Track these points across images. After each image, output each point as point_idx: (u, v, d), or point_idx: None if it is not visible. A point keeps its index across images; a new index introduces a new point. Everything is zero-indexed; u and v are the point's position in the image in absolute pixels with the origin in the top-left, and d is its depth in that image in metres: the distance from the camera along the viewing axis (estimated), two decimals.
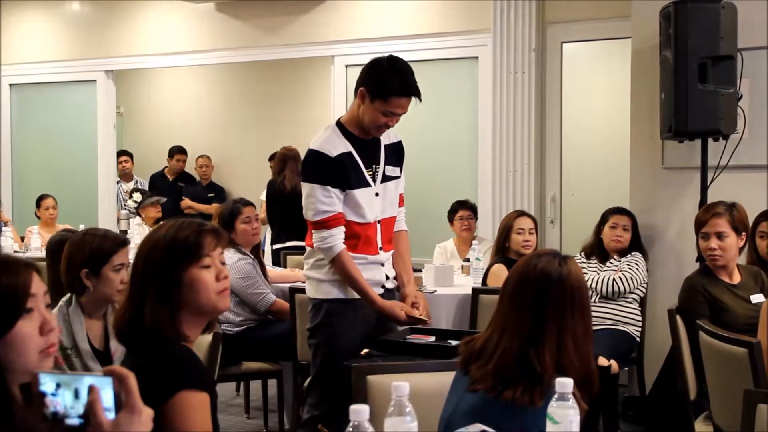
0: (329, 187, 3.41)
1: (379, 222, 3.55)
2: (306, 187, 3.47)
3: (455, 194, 6.13)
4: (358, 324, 3.52)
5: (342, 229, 3.44)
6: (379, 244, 3.56)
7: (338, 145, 3.45)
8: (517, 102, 6.11)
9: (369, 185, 3.50)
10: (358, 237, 3.49)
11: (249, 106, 9.11)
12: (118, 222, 7.34)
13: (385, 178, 3.56)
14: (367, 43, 6.68)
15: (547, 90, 6.14)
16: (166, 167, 8.91)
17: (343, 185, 3.43)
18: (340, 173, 3.42)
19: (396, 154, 3.64)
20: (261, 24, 7.26)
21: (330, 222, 3.42)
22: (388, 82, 3.36)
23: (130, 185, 8.58)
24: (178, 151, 8.83)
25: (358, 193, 3.46)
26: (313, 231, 3.48)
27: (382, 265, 3.59)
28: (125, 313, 2.10)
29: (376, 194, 3.52)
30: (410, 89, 3.38)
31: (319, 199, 3.41)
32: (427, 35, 6.57)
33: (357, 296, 3.52)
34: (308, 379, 3.75)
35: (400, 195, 3.70)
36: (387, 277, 3.62)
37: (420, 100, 3.42)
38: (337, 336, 3.49)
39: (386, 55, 3.50)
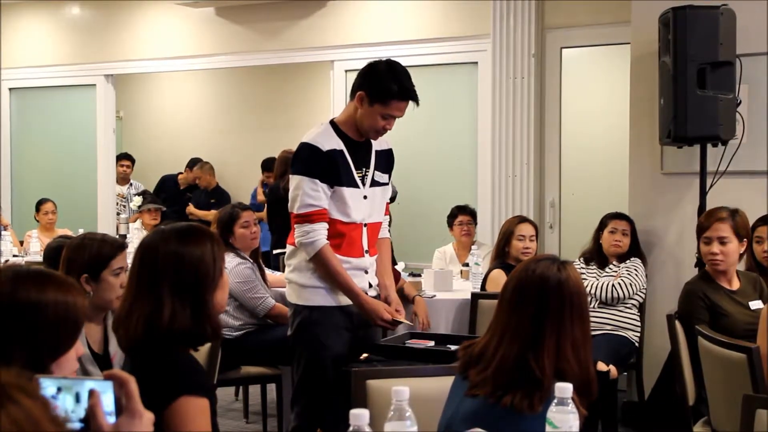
0: (317, 181, 3.37)
1: (365, 225, 3.51)
2: (294, 179, 3.43)
3: (455, 199, 6.13)
4: (340, 331, 3.46)
5: (325, 225, 3.39)
6: (365, 247, 3.51)
7: (331, 141, 3.43)
8: (517, 107, 6.11)
9: (357, 186, 3.47)
10: (342, 236, 3.44)
11: (248, 110, 9.10)
12: (117, 227, 7.32)
13: (374, 183, 3.53)
14: (366, 48, 6.68)
15: (546, 95, 6.15)
16: (180, 173, 8.86)
17: (331, 181, 3.40)
18: (329, 167, 3.39)
19: (386, 161, 3.61)
20: (261, 28, 7.26)
21: (314, 216, 3.38)
22: (387, 86, 3.36)
23: (125, 189, 8.54)
24: (198, 164, 8.74)
25: (346, 192, 3.42)
26: (295, 225, 3.43)
27: (366, 272, 3.53)
28: (139, 318, 2.06)
29: (365, 197, 3.49)
30: (410, 93, 3.39)
31: (305, 192, 3.37)
32: (426, 40, 6.57)
33: (338, 304, 3.46)
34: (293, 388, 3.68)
35: (386, 203, 3.66)
36: (370, 285, 3.55)
37: (417, 104, 3.43)
38: (319, 343, 3.44)
39: (384, 58, 3.49)
